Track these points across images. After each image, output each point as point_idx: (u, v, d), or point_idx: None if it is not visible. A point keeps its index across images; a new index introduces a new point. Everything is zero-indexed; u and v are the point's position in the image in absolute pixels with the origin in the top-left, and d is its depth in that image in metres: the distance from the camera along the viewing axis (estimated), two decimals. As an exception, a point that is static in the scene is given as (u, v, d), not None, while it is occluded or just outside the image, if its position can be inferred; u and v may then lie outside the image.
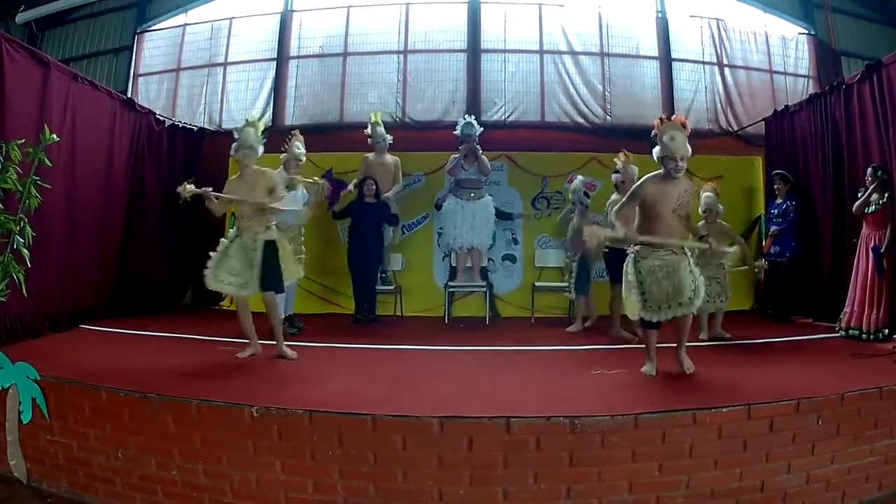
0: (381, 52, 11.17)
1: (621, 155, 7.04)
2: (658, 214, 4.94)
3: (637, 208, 5.09)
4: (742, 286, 9.04)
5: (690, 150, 4.96)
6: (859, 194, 6.84)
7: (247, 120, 6.00)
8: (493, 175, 8.88)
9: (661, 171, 5.00)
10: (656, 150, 5.01)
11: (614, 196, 7.04)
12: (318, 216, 8.51)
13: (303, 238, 7.58)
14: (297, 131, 7.76)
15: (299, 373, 5.26)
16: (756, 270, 7.17)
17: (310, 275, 9.28)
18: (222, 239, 5.77)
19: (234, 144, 5.85)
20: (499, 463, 3.89)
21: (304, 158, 7.53)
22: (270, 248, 5.69)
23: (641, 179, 5.11)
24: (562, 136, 10.40)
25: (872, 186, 6.68)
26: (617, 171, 7.06)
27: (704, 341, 6.73)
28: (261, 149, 5.89)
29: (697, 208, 6.93)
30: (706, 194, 7.04)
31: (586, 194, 7.95)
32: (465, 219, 8.20)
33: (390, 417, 3.96)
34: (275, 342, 5.81)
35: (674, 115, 5.14)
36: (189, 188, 5.65)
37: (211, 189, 5.75)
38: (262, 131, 5.97)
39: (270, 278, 5.67)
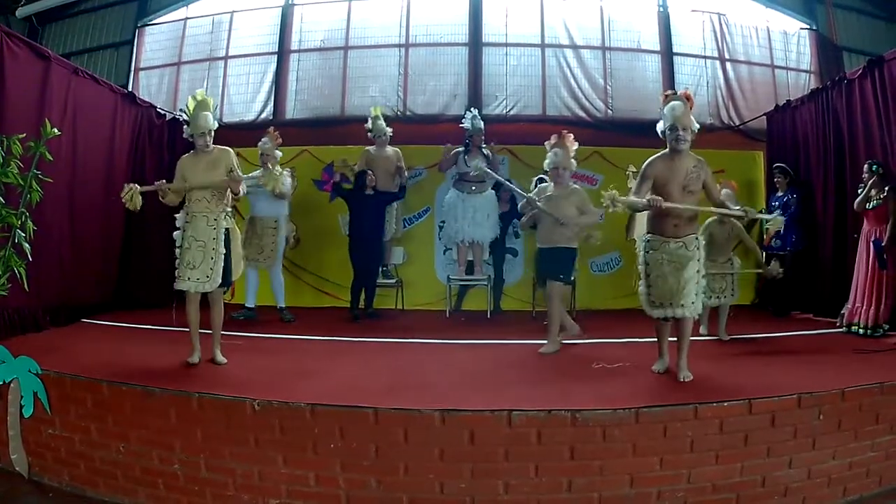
0: (383, 46, 11.17)
1: (553, 137, 6.33)
2: (668, 193, 4.83)
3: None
4: (743, 281, 9.03)
5: (696, 124, 4.94)
6: (859, 191, 6.85)
7: (195, 99, 5.38)
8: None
9: (665, 150, 4.95)
10: (660, 125, 4.96)
11: (549, 185, 6.33)
12: (316, 208, 8.57)
13: (292, 226, 7.67)
14: (270, 129, 7.92)
15: (301, 366, 5.27)
16: (775, 273, 7.04)
17: (309, 267, 9.35)
18: (176, 233, 5.29)
19: (187, 129, 5.37)
20: (500, 456, 3.90)
21: (272, 152, 7.62)
22: (227, 237, 5.29)
23: (648, 160, 4.98)
24: (563, 129, 10.39)
25: (871, 182, 6.70)
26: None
27: (703, 335, 6.72)
28: (214, 126, 5.38)
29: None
30: (725, 191, 6.93)
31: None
32: (467, 212, 8.19)
33: (392, 411, 3.98)
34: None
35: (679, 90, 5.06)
36: (133, 193, 5.19)
37: (164, 181, 5.32)
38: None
39: (225, 272, 5.29)
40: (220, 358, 5.36)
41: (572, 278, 6.50)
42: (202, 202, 5.25)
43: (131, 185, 5.27)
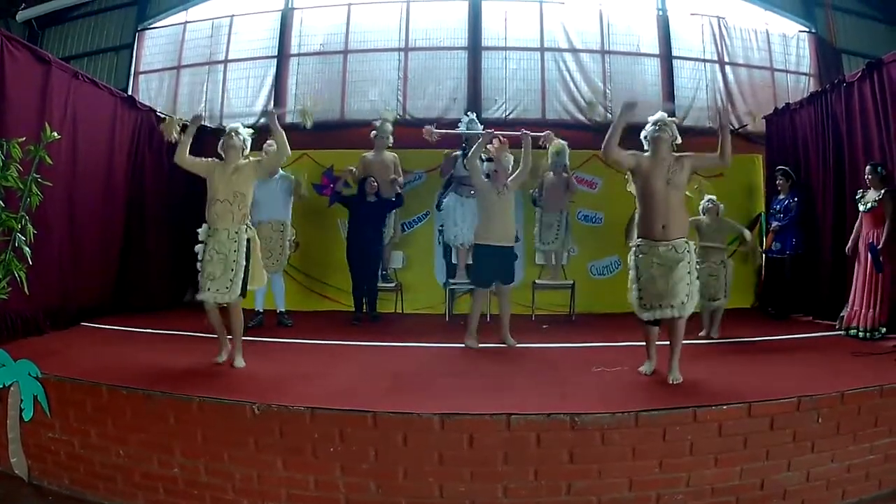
0: (382, 50, 11.17)
1: (495, 141, 6.71)
2: (653, 189, 4.92)
3: (636, 194, 5.12)
4: (743, 284, 9.05)
5: (678, 136, 5.07)
6: (857, 197, 6.87)
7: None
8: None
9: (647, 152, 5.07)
10: (643, 132, 5.11)
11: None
12: (316, 212, 8.58)
13: (292, 231, 7.69)
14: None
15: (300, 370, 5.28)
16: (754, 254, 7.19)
17: (309, 272, 9.34)
18: (197, 246, 5.38)
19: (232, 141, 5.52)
20: (499, 460, 3.91)
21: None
22: (247, 247, 5.36)
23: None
24: (562, 133, 10.32)
25: (869, 183, 6.72)
26: (489, 160, 6.73)
27: (703, 339, 6.75)
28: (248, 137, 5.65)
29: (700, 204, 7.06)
30: (709, 197, 7.05)
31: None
32: (466, 216, 8.20)
33: (391, 414, 3.98)
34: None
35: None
36: (175, 126, 5.43)
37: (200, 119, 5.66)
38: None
39: (243, 281, 5.33)
40: (240, 362, 5.40)
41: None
42: (224, 215, 5.33)
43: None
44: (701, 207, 6.96)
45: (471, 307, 6.65)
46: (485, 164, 6.68)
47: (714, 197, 6.98)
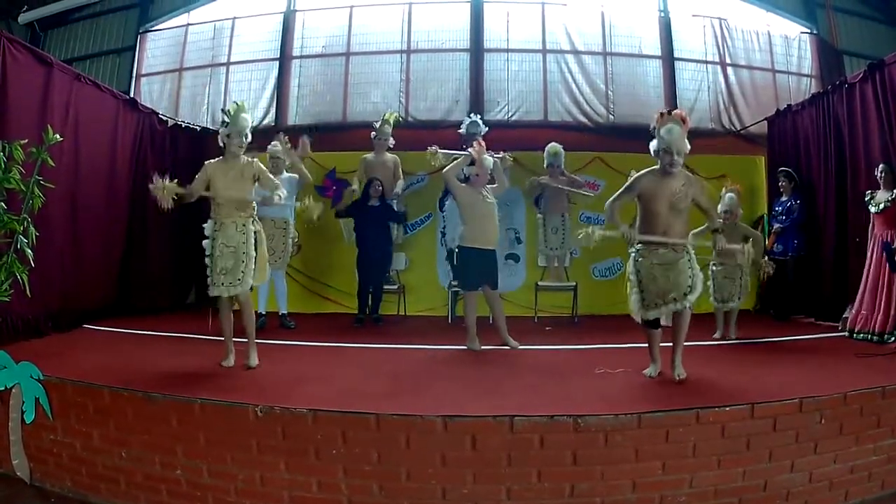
0: (384, 52, 11.18)
1: (476, 144, 6.66)
2: (655, 211, 4.88)
3: (637, 205, 5.06)
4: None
5: (689, 146, 4.91)
6: (866, 199, 6.83)
7: (236, 104, 5.68)
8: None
9: (657, 166, 4.96)
10: (653, 144, 4.95)
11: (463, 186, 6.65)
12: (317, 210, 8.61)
13: (294, 232, 7.68)
14: (280, 133, 7.91)
15: (303, 372, 5.26)
16: (761, 271, 7.13)
17: (311, 273, 9.34)
18: (205, 242, 5.39)
19: (223, 130, 5.57)
20: (502, 462, 3.89)
21: (281, 156, 7.59)
22: (256, 240, 5.38)
23: (639, 173, 5.04)
24: (565, 135, 10.32)
25: (882, 183, 6.68)
26: (471, 163, 6.67)
27: (717, 340, 6.76)
28: (249, 136, 5.65)
29: (718, 206, 6.99)
30: (728, 195, 6.96)
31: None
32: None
33: (394, 416, 3.97)
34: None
35: (675, 111, 5.06)
36: (167, 187, 5.28)
37: (190, 188, 5.47)
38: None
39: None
40: (254, 361, 5.41)
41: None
42: (230, 210, 5.36)
43: (164, 183, 5.33)
44: (725, 197, 6.93)
45: (464, 312, 6.66)
46: (464, 168, 6.73)
47: (733, 194, 6.93)
